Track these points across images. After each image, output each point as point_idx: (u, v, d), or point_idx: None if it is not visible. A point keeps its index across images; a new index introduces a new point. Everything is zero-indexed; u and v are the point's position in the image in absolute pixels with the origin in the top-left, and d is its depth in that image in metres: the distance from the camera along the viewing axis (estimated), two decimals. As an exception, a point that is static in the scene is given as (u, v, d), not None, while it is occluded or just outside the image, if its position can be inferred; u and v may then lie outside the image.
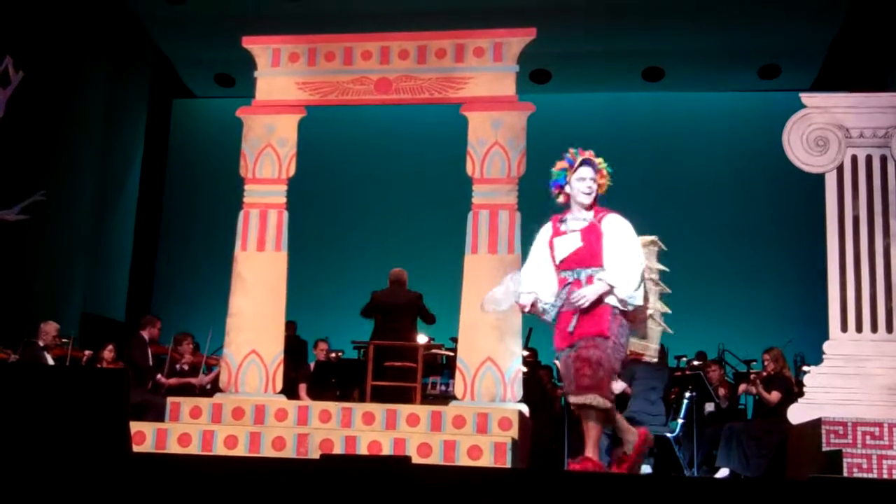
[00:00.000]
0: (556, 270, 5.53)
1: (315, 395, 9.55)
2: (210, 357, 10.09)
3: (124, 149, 14.89)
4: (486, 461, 6.39)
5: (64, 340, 10.27)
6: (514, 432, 7.00)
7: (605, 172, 5.57)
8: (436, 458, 6.42)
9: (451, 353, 9.45)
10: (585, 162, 5.55)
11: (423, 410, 7.32)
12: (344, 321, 10.68)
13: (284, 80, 8.64)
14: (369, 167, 14.31)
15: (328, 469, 4.52)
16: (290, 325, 9.99)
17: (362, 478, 3.94)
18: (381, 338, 8.82)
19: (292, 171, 8.49)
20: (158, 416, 8.45)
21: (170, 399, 7.91)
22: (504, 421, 7.09)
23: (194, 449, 6.97)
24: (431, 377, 9.55)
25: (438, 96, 8.49)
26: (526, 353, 9.26)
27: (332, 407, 7.43)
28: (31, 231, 11.32)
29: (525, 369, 8.40)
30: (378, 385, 8.42)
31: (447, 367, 10.02)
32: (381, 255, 12.11)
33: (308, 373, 9.99)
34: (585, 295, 5.31)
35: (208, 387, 9.82)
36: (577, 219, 5.53)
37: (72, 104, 13.29)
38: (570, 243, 5.48)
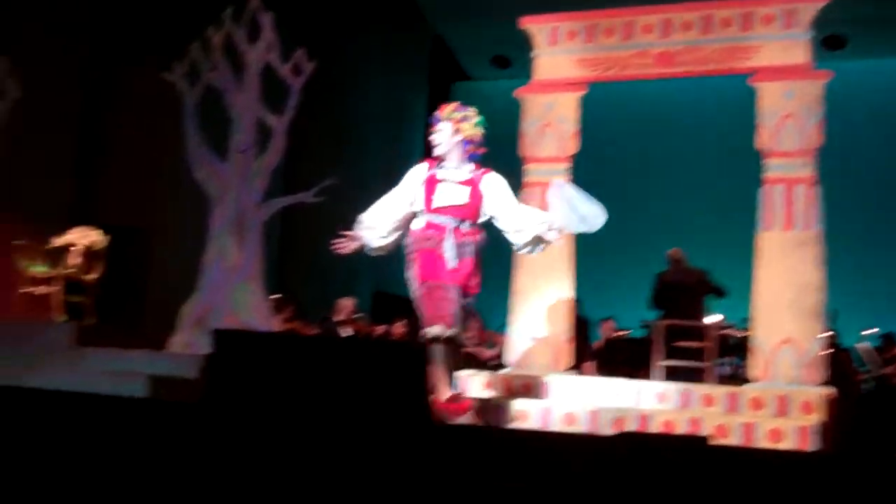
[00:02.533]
0: (425, 212, 5.71)
1: (602, 373, 9.52)
2: (495, 334, 10.27)
3: (406, 132, 15.42)
4: (789, 445, 6.13)
5: (358, 316, 10.78)
6: (818, 416, 6.67)
7: (457, 121, 5.79)
8: (734, 441, 6.22)
9: (745, 334, 9.13)
10: (433, 119, 5.86)
11: (718, 391, 7.11)
12: (630, 300, 10.56)
13: (563, 58, 8.60)
14: (650, 142, 14.06)
15: (625, 446, 4.48)
16: (575, 303, 9.98)
17: (661, 456, 3.87)
18: (669, 317, 8.66)
19: (574, 149, 8.46)
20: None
21: (461, 373, 8.09)
22: (807, 404, 6.78)
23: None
24: (722, 357, 9.28)
25: (724, 67, 8.17)
26: (828, 333, 8.81)
27: (624, 385, 7.36)
28: (327, 214, 11.95)
29: (827, 351, 7.97)
30: (668, 365, 8.29)
31: (737, 348, 9.69)
32: (667, 232, 11.86)
33: (594, 351, 9.97)
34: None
35: (493, 363, 10.01)
36: (454, 169, 5.82)
37: (358, 89, 13.91)
38: (454, 193, 5.72)
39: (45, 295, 8.28)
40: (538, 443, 4.87)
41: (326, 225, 12.72)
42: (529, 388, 7.55)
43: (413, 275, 5.81)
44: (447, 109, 5.89)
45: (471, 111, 5.93)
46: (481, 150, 5.95)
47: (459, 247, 5.75)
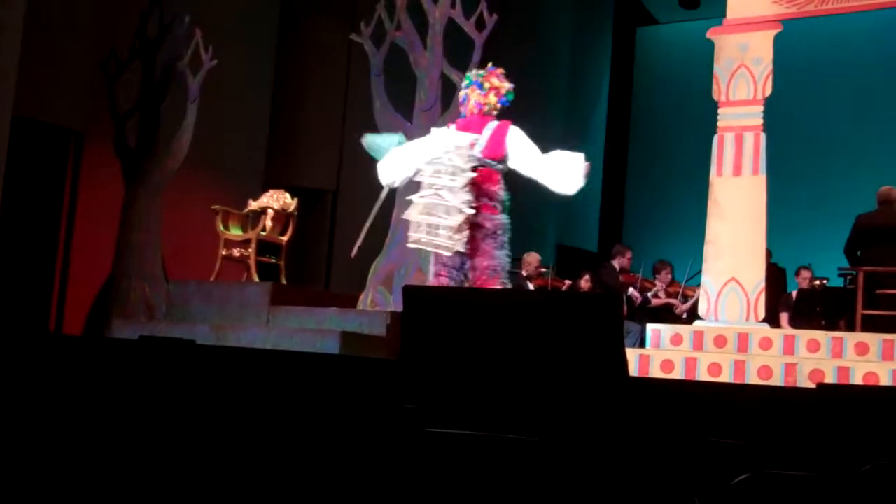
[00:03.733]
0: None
1: (798, 324, 9.16)
2: (687, 286, 10.04)
3: (591, 81, 15.19)
4: None
5: (544, 270, 10.73)
6: None
7: (474, 88, 6.29)
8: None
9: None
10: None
11: (924, 341, 6.74)
12: (827, 247, 10.08)
13: (758, -5, 8.25)
14: (850, 81, 13.34)
15: (825, 399, 4.28)
16: (766, 253, 9.64)
17: (863, 409, 3.67)
18: (872, 263, 8.19)
19: (768, 91, 8.10)
20: (633, 342, 8.58)
21: (650, 326, 7.97)
22: None
23: (677, 375, 6.97)
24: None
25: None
26: None
27: (821, 336, 7.06)
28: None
29: None
30: (870, 314, 7.85)
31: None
32: (868, 175, 11.24)
33: (790, 301, 9.60)
34: None
35: (684, 316, 9.80)
36: None
37: (540, 40, 13.76)
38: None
39: (242, 257, 8.59)
40: (734, 396, 4.73)
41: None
42: (723, 340, 7.34)
43: None
44: (488, 75, 6.42)
45: (506, 80, 6.56)
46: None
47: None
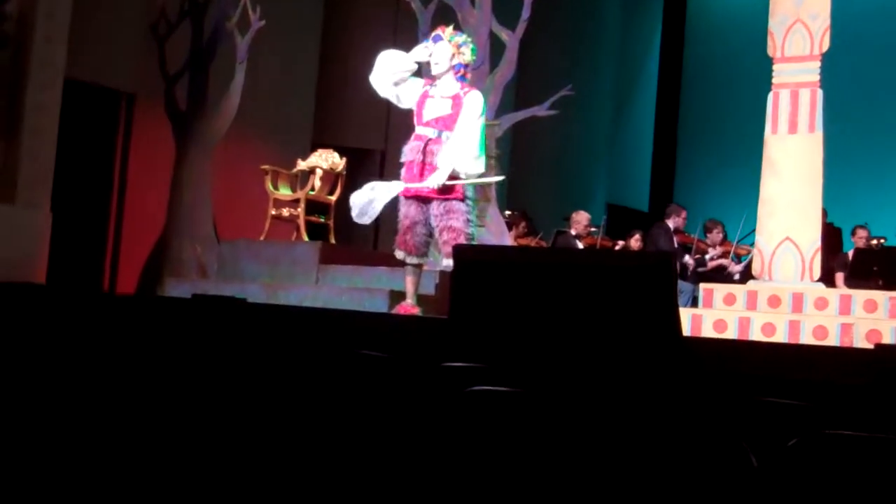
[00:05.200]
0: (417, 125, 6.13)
1: (854, 284, 9.01)
2: (739, 246, 9.91)
3: (642, 38, 14.99)
4: None
5: (593, 230, 10.65)
6: None
7: (457, 45, 6.12)
8: None
9: None
10: (435, 37, 6.18)
11: None
12: (884, 206, 9.91)
13: (818, -53, 8.03)
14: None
15: (883, 359, 4.21)
16: (822, 212, 9.49)
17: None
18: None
19: (825, 46, 7.91)
20: (685, 302, 8.50)
21: (702, 286, 7.90)
22: None
23: (730, 335, 6.90)
24: None
25: None
26: None
27: (879, 296, 6.94)
28: (559, 128, 11.86)
29: None
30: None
31: None
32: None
33: (846, 261, 9.45)
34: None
35: (736, 276, 9.68)
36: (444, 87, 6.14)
37: (588, 4, 13.61)
38: (439, 106, 6.10)
39: (291, 217, 8.61)
40: (788, 355, 4.67)
41: (558, 138, 12.70)
42: (777, 300, 7.25)
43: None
44: (447, 31, 6.22)
45: (467, 37, 6.39)
46: (468, 75, 6.34)
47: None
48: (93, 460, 2.64)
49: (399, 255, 6.25)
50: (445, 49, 6.16)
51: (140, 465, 2.60)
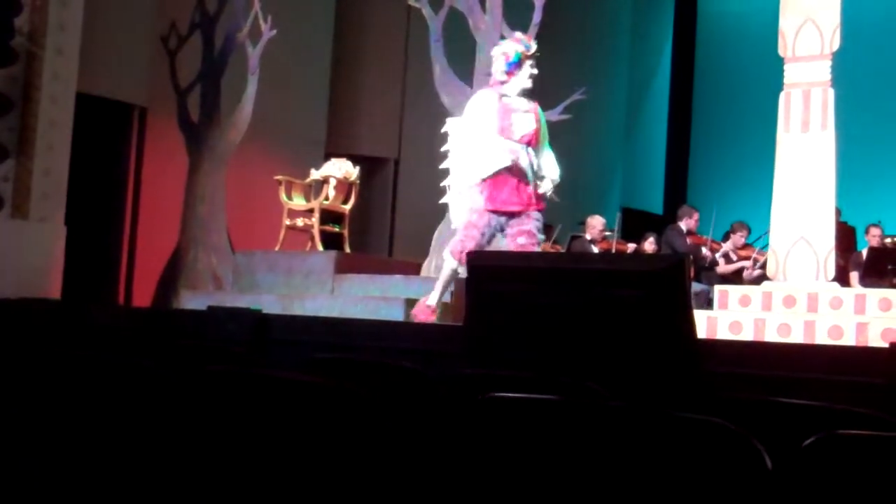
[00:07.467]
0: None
1: (869, 282, 8.97)
2: (760, 252, 9.86)
3: (653, 41, 14.98)
4: None
5: (608, 233, 10.64)
6: None
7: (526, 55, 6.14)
8: None
9: None
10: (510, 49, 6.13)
11: None
12: (899, 203, 9.87)
13: (825, -53, 8.00)
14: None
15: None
16: (836, 211, 9.45)
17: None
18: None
19: (836, 46, 7.88)
20: (700, 303, 8.46)
21: (717, 287, 7.87)
22: None
23: (746, 336, 6.87)
24: None
25: None
26: None
27: (894, 295, 6.90)
28: (572, 129, 11.86)
29: None
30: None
31: None
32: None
33: (860, 260, 9.41)
34: None
35: (754, 274, 9.65)
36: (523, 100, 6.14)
37: (601, 7, 13.60)
38: (528, 122, 6.10)
39: (306, 226, 8.64)
40: (803, 355, 4.66)
41: (571, 143, 12.67)
42: (792, 300, 7.22)
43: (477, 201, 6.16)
44: (518, 42, 6.23)
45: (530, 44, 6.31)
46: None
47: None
48: (114, 472, 2.66)
49: (454, 264, 6.16)
50: (513, 56, 6.19)
51: (157, 478, 2.61)
